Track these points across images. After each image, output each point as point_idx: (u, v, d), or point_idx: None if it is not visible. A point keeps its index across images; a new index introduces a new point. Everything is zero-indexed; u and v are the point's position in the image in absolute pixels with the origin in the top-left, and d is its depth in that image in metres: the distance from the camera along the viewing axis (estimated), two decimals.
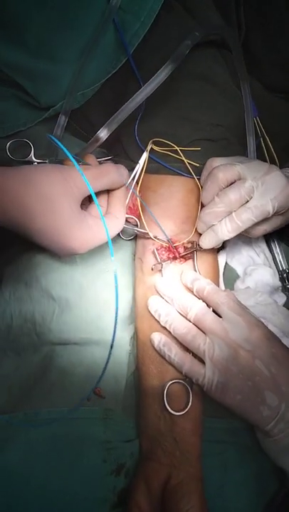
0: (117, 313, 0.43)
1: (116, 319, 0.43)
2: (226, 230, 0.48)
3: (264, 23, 0.62)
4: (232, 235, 0.48)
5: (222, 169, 0.48)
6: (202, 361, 0.45)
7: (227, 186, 0.48)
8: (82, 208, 0.44)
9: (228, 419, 0.50)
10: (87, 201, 0.48)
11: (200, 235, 0.51)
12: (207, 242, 0.50)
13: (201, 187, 0.53)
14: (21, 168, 0.42)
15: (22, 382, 0.49)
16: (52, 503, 0.43)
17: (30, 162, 0.52)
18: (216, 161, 0.50)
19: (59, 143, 0.41)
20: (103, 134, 0.47)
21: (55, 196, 0.41)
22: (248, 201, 0.48)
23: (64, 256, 0.51)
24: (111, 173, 0.46)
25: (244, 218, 0.47)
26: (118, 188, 0.48)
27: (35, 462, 0.44)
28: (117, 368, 0.50)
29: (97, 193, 0.47)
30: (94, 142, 0.48)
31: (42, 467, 0.44)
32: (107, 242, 0.44)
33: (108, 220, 0.45)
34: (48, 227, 0.41)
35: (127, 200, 0.54)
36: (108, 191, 0.49)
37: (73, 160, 0.42)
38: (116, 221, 0.47)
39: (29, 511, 0.42)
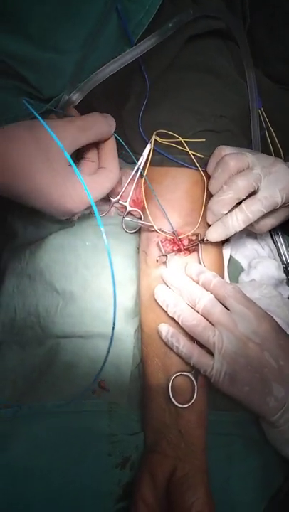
0: (115, 295, 0.40)
1: (115, 304, 0.41)
2: (236, 222, 0.48)
3: (269, 14, 0.61)
4: (242, 227, 0.48)
5: (233, 157, 0.48)
6: (210, 352, 0.45)
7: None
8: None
9: (233, 411, 0.50)
10: (76, 158, 0.46)
11: (207, 226, 0.51)
12: (216, 235, 0.49)
13: (207, 178, 0.52)
14: (2, 130, 0.39)
15: (27, 375, 0.49)
16: (57, 497, 0.43)
17: None
18: (226, 150, 0.50)
19: (31, 107, 0.38)
20: (75, 97, 0.46)
21: (35, 157, 0.39)
22: (256, 192, 0.47)
23: (62, 217, 0.48)
24: (98, 123, 0.44)
25: (254, 209, 0.47)
26: (108, 140, 0.46)
27: (40, 455, 0.44)
28: (122, 361, 0.50)
29: (86, 147, 0.45)
30: (66, 105, 0.47)
31: (47, 460, 0.44)
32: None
33: (101, 175, 0.44)
34: (37, 189, 0.39)
35: (130, 193, 0.54)
36: (97, 144, 0.46)
37: (50, 131, 0.37)
38: (110, 175, 0.45)
39: (35, 505, 0.42)
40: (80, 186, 0.41)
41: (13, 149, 0.38)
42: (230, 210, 0.49)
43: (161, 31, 0.45)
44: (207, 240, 0.50)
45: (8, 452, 0.43)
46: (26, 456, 0.43)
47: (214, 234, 0.49)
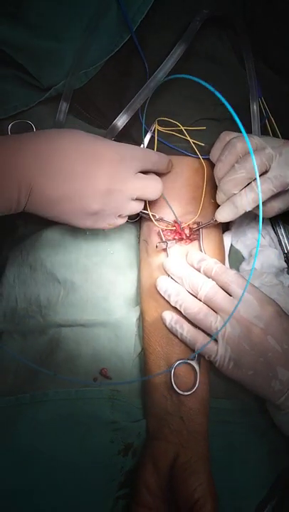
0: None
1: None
2: (246, 201, 0.47)
3: (270, 2, 0.61)
4: (252, 206, 0.47)
5: (241, 139, 0.47)
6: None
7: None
8: None
9: (234, 399, 0.50)
10: None
11: (207, 214, 0.51)
12: (225, 215, 0.48)
13: (207, 167, 0.52)
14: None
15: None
16: (59, 483, 0.43)
17: None
18: (231, 134, 0.50)
19: None
20: (121, 121, 0.48)
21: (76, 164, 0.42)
22: (267, 171, 0.47)
23: (84, 222, 0.51)
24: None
25: (264, 188, 0.46)
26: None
27: (42, 443, 0.44)
28: (124, 350, 0.50)
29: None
30: (112, 130, 0.49)
31: (50, 448, 0.44)
32: None
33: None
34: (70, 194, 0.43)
35: None
36: None
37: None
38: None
39: (38, 490, 0.42)
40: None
41: (57, 155, 0.41)
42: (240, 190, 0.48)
43: (184, 38, 0.47)
44: (216, 221, 0.50)
45: (13, 439, 0.43)
46: (29, 443, 0.44)
47: (223, 214, 0.48)
